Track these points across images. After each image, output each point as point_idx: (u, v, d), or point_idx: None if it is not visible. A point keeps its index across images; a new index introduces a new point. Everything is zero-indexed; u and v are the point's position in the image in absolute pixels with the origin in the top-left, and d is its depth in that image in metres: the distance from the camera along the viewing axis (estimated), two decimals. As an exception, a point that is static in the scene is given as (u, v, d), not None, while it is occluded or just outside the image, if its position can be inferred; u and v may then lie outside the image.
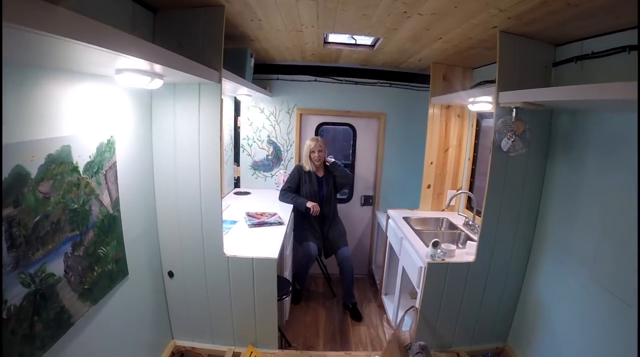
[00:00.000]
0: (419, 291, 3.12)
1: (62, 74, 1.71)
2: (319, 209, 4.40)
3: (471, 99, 3.38)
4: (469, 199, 4.21)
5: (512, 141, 2.56)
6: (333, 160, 4.57)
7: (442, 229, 4.24)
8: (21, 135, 1.46)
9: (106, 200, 2.09)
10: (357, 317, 4.54)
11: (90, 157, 1.92)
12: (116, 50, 1.24)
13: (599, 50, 2.33)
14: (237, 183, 5.15)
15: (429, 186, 4.57)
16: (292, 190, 4.60)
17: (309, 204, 4.39)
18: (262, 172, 5.21)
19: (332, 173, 4.58)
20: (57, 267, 1.71)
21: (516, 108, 2.58)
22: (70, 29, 0.99)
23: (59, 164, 1.68)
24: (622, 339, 2.11)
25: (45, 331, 1.65)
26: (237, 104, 4.85)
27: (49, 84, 1.62)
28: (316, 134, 5.16)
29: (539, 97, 2.24)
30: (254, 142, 5.09)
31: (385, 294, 4.65)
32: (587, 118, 2.52)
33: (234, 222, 3.68)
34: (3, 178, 1.36)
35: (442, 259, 3.03)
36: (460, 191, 4.31)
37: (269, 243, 3.21)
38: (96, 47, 1.13)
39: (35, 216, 1.55)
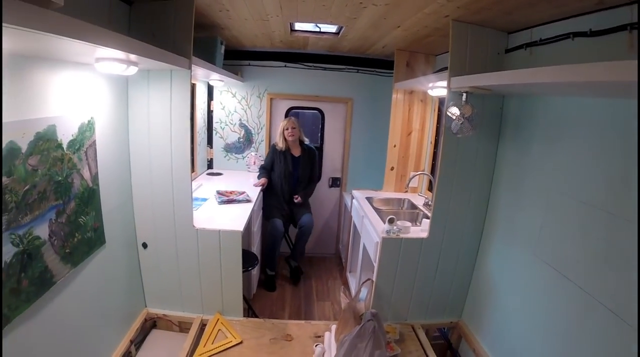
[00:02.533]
0: (376, 265, 3.33)
1: (49, 63, 1.93)
2: (265, 183, 4.67)
3: (430, 84, 3.59)
4: (431, 182, 4.42)
5: (461, 123, 2.72)
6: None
7: (403, 209, 4.50)
8: (14, 115, 1.68)
9: (86, 174, 2.31)
10: (296, 278, 4.92)
11: (72, 135, 2.13)
12: (95, 43, 1.47)
13: (546, 37, 2.47)
14: (210, 164, 5.35)
15: (392, 168, 4.81)
16: (267, 169, 4.83)
17: (255, 182, 4.69)
18: (233, 154, 5.42)
19: (310, 155, 4.79)
20: (42, 231, 1.93)
21: (466, 93, 2.74)
22: (58, 27, 1.22)
23: (45, 141, 1.90)
24: (561, 308, 2.28)
25: (30, 287, 1.86)
26: (210, 89, 5.03)
27: (38, 71, 1.85)
28: (286, 117, 5.32)
29: (481, 82, 2.43)
30: (226, 125, 5.29)
31: (350, 272, 4.91)
32: (535, 102, 2.66)
33: (205, 199, 3.91)
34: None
35: (397, 235, 3.24)
36: (419, 173, 4.58)
37: (236, 218, 3.45)
38: (78, 41, 1.35)
39: (25, 186, 1.77)
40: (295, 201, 4.72)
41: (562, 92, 2.30)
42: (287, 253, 5.19)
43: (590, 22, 2.10)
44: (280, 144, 4.72)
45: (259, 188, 4.55)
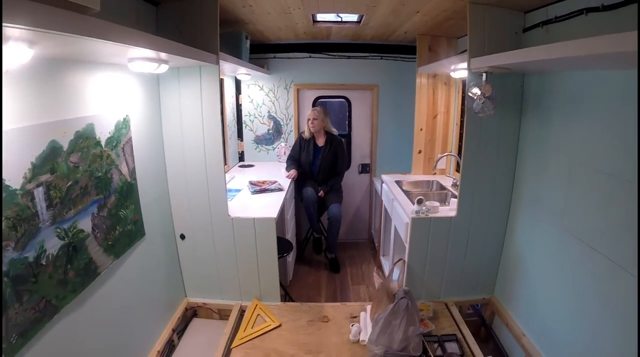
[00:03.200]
0: (407, 245, 3.40)
1: (85, 65, 2.05)
2: (295, 175, 4.70)
3: (452, 67, 3.61)
4: (458, 163, 4.43)
5: (482, 103, 2.77)
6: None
7: (432, 190, 4.54)
8: (55, 116, 1.80)
9: (124, 170, 2.43)
10: (336, 269, 4.98)
11: (110, 133, 2.25)
12: (128, 44, 1.57)
13: (561, 14, 2.48)
14: (241, 157, 5.47)
15: (419, 151, 4.84)
16: (294, 158, 4.91)
17: (286, 174, 4.73)
18: (264, 145, 5.53)
19: (332, 145, 4.84)
20: (85, 224, 2.05)
21: (486, 73, 2.76)
22: (96, 31, 1.32)
23: (85, 139, 2.01)
24: (588, 278, 2.33)
25: (76, 278, 1.98)
26: (237, 83, 5.13)
27: (75, 73, 1.97)
28: (313, 107, 5.39)
29: (497, 62, 2.47)
30: (255, 118, 5.39)
31: (383, 255, 4.97)
32: (553, 78, 2.70)
33: (238, 190, 4.02)
34: (42, 150, 1.70)
35: (426, 215, 3.30)
36: (445, 154, 4.61)
37: (269, 206, 3.55)
38: (113, 43, 1.45)
39: (68, 182, 1.89)
40: (320, 195, 4.80)
41: (577, 67, 2.33)
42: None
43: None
44: (307, 133, 4.82)
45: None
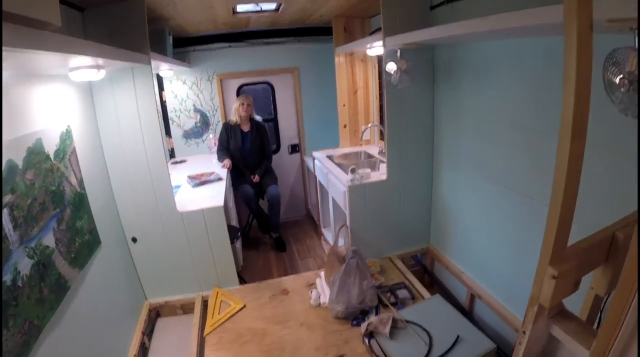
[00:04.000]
0: (347, 212, 3.69)
1: (30, 79, 2.03)
2: (229, 164, 4.76)
3: (368, 46, 3.85)
4: (382, 132, 4.71)
5: (399, 76, 3.07)
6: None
7: (362, 160, 4.83)
8: (7, 134, 1.77)
9: (74, 180, 2.41)
10: (282, 247, 5.19)
11: (56, 145, 2.23)
12: (75, 53, 1.60)
13: None
14: (172, 154, 5.40)
15: (345, 126, 5.11)
16: (224, 147, 4.95)
17: (220, 164, 4.79)
18: (193, 139, 5.50)
19: (258, 130, 4.96)
20: (49, 240, 2.04)
21: (399, 49, 3.06)
22: (55, 45, 1.36)
23: (36, 154, 2.00)
24: (508, 213, 2.74)
25: (51, 295, 1.99)
26: (160, 80, 5.03)
27: (19, 89, 1.94)
28: (237, 95, 5.50)
29: (410, 39, 2.77)
30: (181, 112, 5.35)
31: (324, 227, 5.19)
32: (461, 50, 3.04)
33: (178, 186, 4.02)
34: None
35: (360, 181, 3.60)
36: (369, 125, 4.90)
37: (213, 196, 3.63)
38: (61, 54, 1.48)
39: (28, 199, 1.88)
40: (254, 180, 4.91)
41: (480, 39, 2.65)
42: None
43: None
44: (234, 119, 4.89)
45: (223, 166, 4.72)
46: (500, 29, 1.79)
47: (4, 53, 1.17)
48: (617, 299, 0.98)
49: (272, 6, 3.92)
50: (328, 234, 4.96)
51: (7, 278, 1.64)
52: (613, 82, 1.23)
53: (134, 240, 3.28)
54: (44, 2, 1.26)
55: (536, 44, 2.23)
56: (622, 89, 1.22)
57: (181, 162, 5.21)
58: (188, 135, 5.46)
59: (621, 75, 1.21)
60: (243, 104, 4.79)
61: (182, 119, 5.37)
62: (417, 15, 3.20)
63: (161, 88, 5.06)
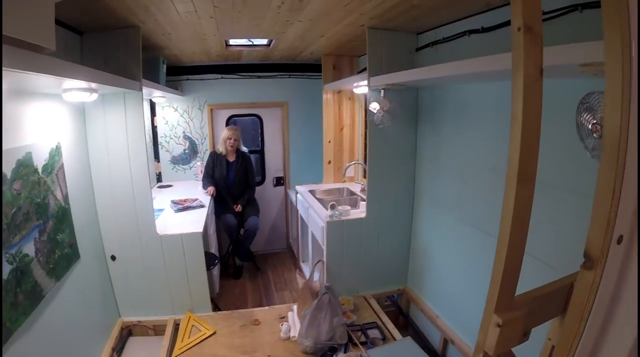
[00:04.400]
0: (324, 247, 3.74)
1: (24, 96, 2.16)
2: (213, 191, 4.86)
3: (355, 84, 4.01)
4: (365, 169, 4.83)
5: (381, 116, 3.20)
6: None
7: (343, 196, 4.92)
8: (-1, 146, 1.90)
9: (59, 195, 2.52)
10: (237, 275, 5.33)
11: (45, 160, 2.34)
12: (75, 78, 1.75)
13: (448, 35, 2.93)
14: (159, 178, 5.50)
15: (329, 162, 5.23)
16: (209, 175, 5.05)
17: (204, 191, 4.88)
18: (181, 165, 5.62)
19: (243, 160, 5.08)
20: (29, 249, 2.14)
21: (384, 89, 3.20)
22: (52, 68, 1.50)
23: (25, 166, 2.11)
24: (482, 257, 2.75)
25: (25, 300, 2.06)
26: (152, 105, 5.16)
27: (15, 104, 2.08)
28: (226, 125, 5.61)
29: (393, 80, 2.90)
30: (171, 138, 5.47)
31: (303, 262, 5.26)
32: (443, 92, 3.16)
33: (161, 210, 4.12)
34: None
35: (339, 218, 3.66)
36: (353, 163, 5.02)
37: (194, 222, 3.71)
38: (63, 77, 1.63)
39: (13, 208, 1.98)
40: (236, 209, 5.01)
41: (458, 81, 2.78)
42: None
43: (482, 20, 2.54)
44: (221, 149, 5.00)
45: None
46: (465, 73, 1.93)
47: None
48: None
49: (264, 41, 4.09)
50: (306, 268, 5.02)
51: (-15, 280, 1.73)
52: (586, 128, 1.24)
53: (113, 258, 3.35)
54: (40, 27, 1.40)
55: (509, 88, 2.34)
56: (594, 136, 1.21)
57: (167, 186, 5.31)
58: (176, 160, 5.58)
59: (594, 121, 1.20)
60: (230, 139, 4.91)
61: (172, 144, 5.50)
62: (402, 56, 3.37)
63: (153, 113, 5.19)
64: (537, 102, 0.97)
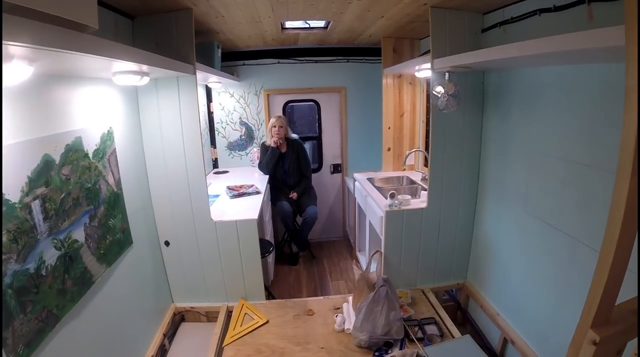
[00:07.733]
0: (382, 237, 3.59)
1: (71, 80, 2.13)
2: (278, 141, 4.85)
3: (416, 67, 3.76)
4: (426, 158, 4.62)
5: (446, 100, 2.96)
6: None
7: (403, 185, 4.74)
8: (46, 130, 1.87)
9: (111, 180, 2.51)
10: (294, 262, 5.29)
11: (96, 145, 2.32)
12: (121, 59, 1.67)
13: (517, 15, 2.68)
14: (215, 164, 5.53)
15: (389, 149, 5.03)
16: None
17: (273, 144, 4.86)
18: (237, 151, 5.61)
19: (294, 149, 5.01)
20: (79, 235, 2.12)
21: (448, 72, 2.97)
22: (95, 48, 1.42)
23: (74, 151, 2.09)
24: (551, 254, 2.55)
25: (74, 287, 2.05)
26: (208, 91, 5.19)
27: (62, 89, 2.05)
28: (283, 111, 5.59)
29: (459, 61, 2.67)
30: (227, 124, 5.47)
31: (359, 251, 5.13)
32: (511, 75, 2.92)
33: (217, 195, 4.10)
34: (36, 164, 1.77)
35: (399, 208, 3.48)
36: (414, 150, 4.79)
37: (249, 209, 3.65)
38: (109, 59, 1.56)
39: (61, 194, 1.96)
40: (291, 197, 4.96)
41: (531, 64, 2.54)
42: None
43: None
44: (269, 141, 4.95)
45: (266, 178, 4.82)
46: (549, 53, 1.70)
47: (42, 52, 1.23)
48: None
49: (321, 24, 3.97)
50: (362, 258, 4.90)
51: (30, 266, 1.71)
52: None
53: (167, 243, 3.36)
54: (81, 4, 1.32)
55: (591, 71, 2.12)
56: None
57: (223, 172, 5.32)
58: (232, 147, 5.57)
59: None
60: (275, 126, 4.85)
61: (228, 130, 5.49)
62: (468, 37, 3.15)
63: (209, 99, 5.21)
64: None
